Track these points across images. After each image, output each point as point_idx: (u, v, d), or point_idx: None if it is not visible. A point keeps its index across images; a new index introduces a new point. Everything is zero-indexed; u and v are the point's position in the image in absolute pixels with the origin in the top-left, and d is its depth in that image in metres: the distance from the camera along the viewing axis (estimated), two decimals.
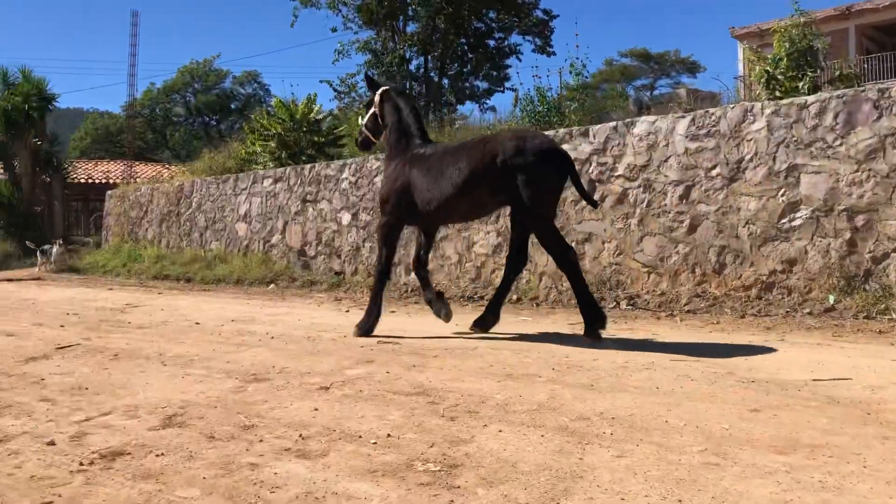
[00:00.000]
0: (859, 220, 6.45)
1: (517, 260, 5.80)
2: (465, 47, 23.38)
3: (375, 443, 3.06)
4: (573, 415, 3.38)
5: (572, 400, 3.65)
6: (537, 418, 3.35)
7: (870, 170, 6.44)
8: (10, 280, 14.68)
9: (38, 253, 17.24)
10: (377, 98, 6.32)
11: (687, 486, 2.47)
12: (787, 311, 6.48)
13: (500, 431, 3.17)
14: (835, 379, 3.90)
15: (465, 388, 4.01)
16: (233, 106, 47.87)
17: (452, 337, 5.86)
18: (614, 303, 7.56)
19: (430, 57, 22.84)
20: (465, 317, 7.07)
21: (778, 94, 9.15)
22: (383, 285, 6.09)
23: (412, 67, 22.84)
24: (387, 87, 6.42)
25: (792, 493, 2.37)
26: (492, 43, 23.93)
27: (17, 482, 2.71)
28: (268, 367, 4.73)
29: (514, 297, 8.33)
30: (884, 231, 6.32)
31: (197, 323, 7.04)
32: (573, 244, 8.38)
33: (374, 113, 6.36)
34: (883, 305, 6.06)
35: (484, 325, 5.99)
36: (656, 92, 40.37)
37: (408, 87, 22.82)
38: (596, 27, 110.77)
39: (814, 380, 3.91)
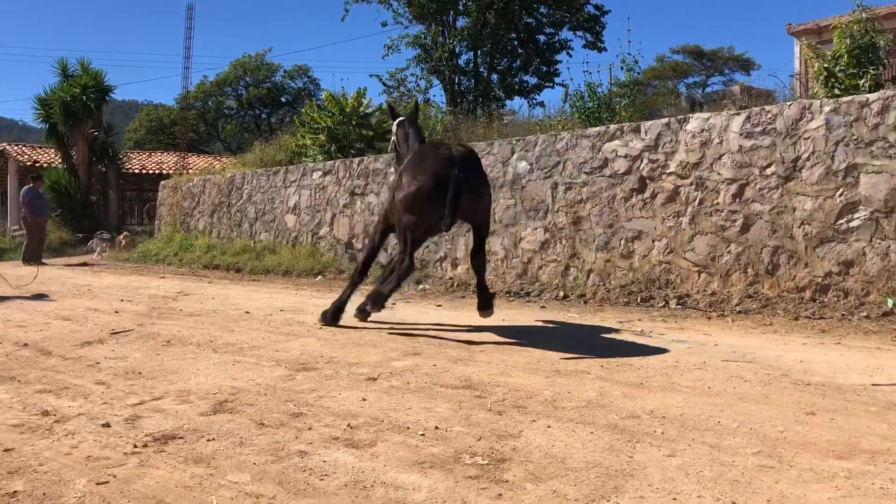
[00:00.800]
0: None
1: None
2: (515, 42, 23.17)
3: (423, 434, 3.06)
4: (623, 413, 3.34)
5: (622, 398, 3.61)
6: (586, 415, 3.32)
7: None
8: (68, 265, 15.10)
9: (95, 240, 17.71)
10: (395, 127, 6.92)
11: (741, 488, 2.42)
12: (843, 314, 6.30)
13: (548, 427, 3.14)
14: (894, 384, 3.78)
15: (513, 382, 3.99)
16: (283, 99, 48.36)
17: (498, 332, 5.84)
18: (663, 302, 7.45)
19: (479, 52, 22.70)
20: (510, 312, 7.05)
21: (837, 91, 8.88)
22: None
23: (462, 62, 22.77)
24: (402, 118, 6.95)
25: (852, 499, 2.31)
26: (542, 38, 23.68)
27: (75, 462, 2.78)
28: (316, 356, 4.78)
29: (562, 293, 8.27)
30: None
31: (247, 312, 7.13)
32: (622, 241, 8.30)
33: (393, 141, 6.97)
34: None
35: None
36: (709, 89, 39.54)
37: (457, 81, 22.75)
38: (648, 23, 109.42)
39: (873, 384, 3.80)
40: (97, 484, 2.55)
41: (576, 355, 4.71)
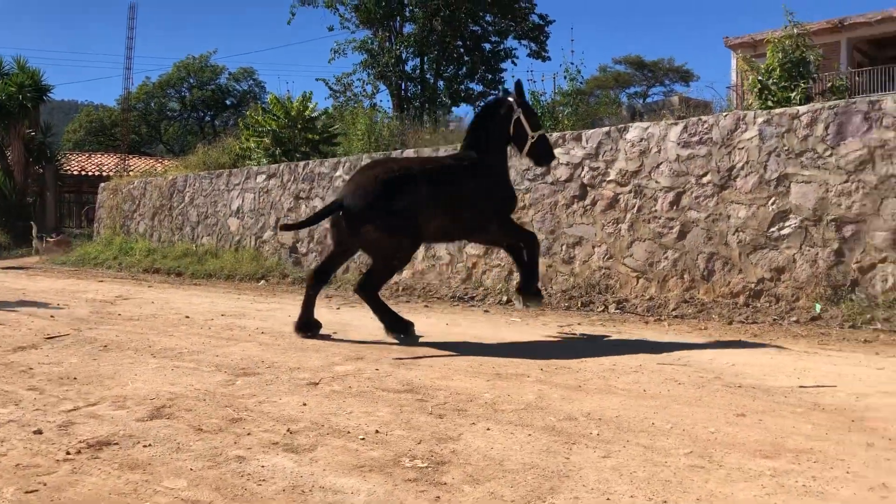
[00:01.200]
0: (847, 231, 6.51)
1: None
2: (461, 50, 23.39)
3: (363, 439, 3.07)
4: (561, 415, 3.40)
5: (560, 400, 3.67)
6: (525, 417, 3.37)
7: (859, 181, 6.49)
8: (1, 268, 14.62)
9: (35, 241, 17.21)
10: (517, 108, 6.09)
11: (673, 488, 2.49)
12: (775, 319, 6.52)
13: (487, 430, 3.18)
14: (820, 386, 3.94)
15: (454, 386, 4.02)
16: (228, 102, 47.70)
17: (442, 336, 5.87)
18: (603, 306, 7.59)
19: (426, 58, 22.85)
20: (454, 316, 7.11)
21: (770, 103, 9.21)
22: None
23: (408, 68, 22.86)
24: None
25: (776, 497, 2.40)
26: (487, 46, 23.96)
27: (3, 470, 2.71)
28: (257, 361, 4.74)
29: (505, 298, 8.36)
30: (871, 242, 6.37)
31: (187, 317, 7.03)
32: (564, 247, 8.43)
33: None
34: (868, 315, 6.11)
35: None
36: (649, 99, 40.46)
37: (403, 87, 22.80)
38: (591, 34, 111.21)
39: (800, 386, 3.95)
40: (26, 492, 2.49)
41: (516, 359, 4.78)
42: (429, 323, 6.63)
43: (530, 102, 11.75)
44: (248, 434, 3.15)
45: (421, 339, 5.58)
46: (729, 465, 2.70)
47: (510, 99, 6.05)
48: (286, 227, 6.75)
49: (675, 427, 3.18)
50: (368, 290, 5.65)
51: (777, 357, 4.87)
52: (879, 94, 18.94)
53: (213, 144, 18.52)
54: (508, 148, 6.18)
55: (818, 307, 6.49)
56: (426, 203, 5.51)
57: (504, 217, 6.06)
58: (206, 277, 12.05)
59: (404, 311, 7.71)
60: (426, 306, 8.28)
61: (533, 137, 5.96)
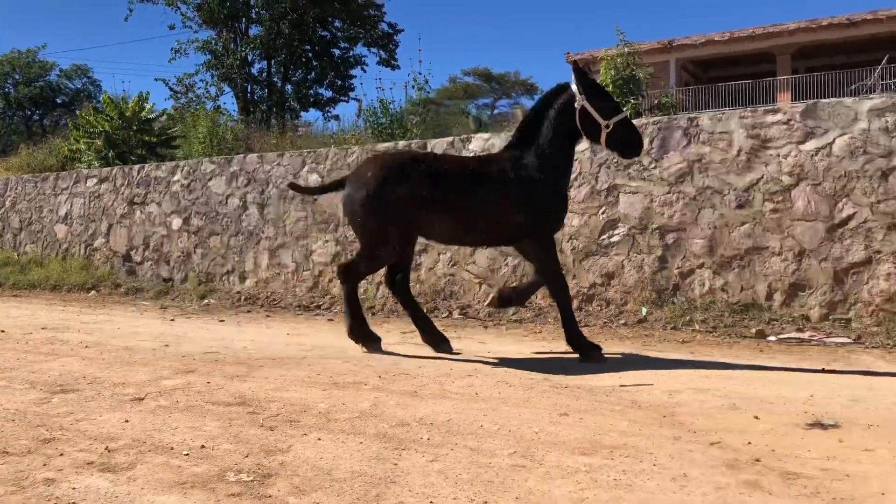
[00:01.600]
0: (670, 238, 6.98)
1: None
2: (310, 54, 23.14)
3: (187, 454, 2.95)
4: (394, 421, 3.42)
5: (394, 407, 3.70)
6: (358, 425, 3.37)
7: (679, 192, 6.98)
8: None
9: None
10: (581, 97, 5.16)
11: (494, 488, 2.56)
12: (605, 322, 6.88)
13: (318, 440, 3.15)
14: (639, 384, 4.19)
15: (289, 397, 3.95)
16: (59, 100, 44.70)
17: (283, 346, 5.76)
18: (447, 312, 7.72)
19: (273, 61, 22.40)
20: (298, 326, 6.99)
21: None
22: None
23: (255, 71, 22.35)
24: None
25: (589, 492, 2.52)
26: (337, 52, 23.85)
27: None
28: (78, 377, 4.45)
29: None
30: (690, 249, 6.86)
31: (2, 331, 6.50)
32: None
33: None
34: (687, 317, 6.58)
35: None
36: (497, 111, 41.79)
37: (249, 90, 22.24)
38: (441, 45, 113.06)
39: (621, 385, 4.18)
40: None
41: (356, 367, 4.76)
42: (270, 333, 6.49)
43: (378, 111, 11.92)
44: (61, 455, 2.95)
45: (257, 351, 5.44)
46: (549, 463, 2.82)
47: (573, 87, 5.12)
48: (294, 187, 6.29)
49: (503, 428, 3.28)
50: (349, 278, 5.39)
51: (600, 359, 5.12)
52: (702, 111, 20.48)
53: (39, 146, 17.28)
54: (573, 145, 5.29)
55: (644, 310, 6.91)
56: (429, 200, 5.11)
57: (539, 233, 5.20)
58: (30, 288, 11.20)
59: (244, 322, 7.52)
60: (268, 316, 8.10)
61: (607, 127, 5.02)
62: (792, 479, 2.63)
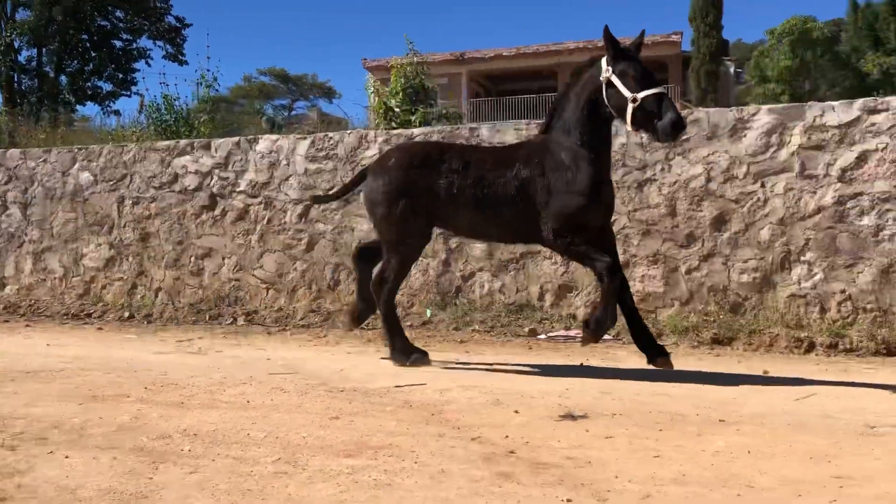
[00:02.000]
0: (453, 243, 7.22)
1: None
2: (88, 44, 21.48)
3: None
4: (154, 434, 3.26)
5: (157, 419, 3.52)
6: (114, 440, 3.17)
7: None
8: None
9: None
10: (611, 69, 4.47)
11: (252, 497, 2.51)
12: None
13: (66, 457, 2.93)
14: (412, 385, 4.29)
15: (40, 413, 3.64)
16: None
17: (42, 359, 5.30)
18: (231, 319, 7.49)
19: (44, 50, 20.54)
20: (63, 337, 6.49)
21: (394, 124, 9.88)
22: None
23: (22, 58, 20.34)
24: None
25: (348, 494, 2.54)
26: (118, 44, 22.33)
27: None
28: None
29: (127, 314, 7.83)
30: (472, 253, 7.14)
31: None
32: (192, 258, 8.15)
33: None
34: (468, 318, 6.84)
35: None
36: (294, 113, 41.21)
37: (16, 79, 20.28)
38: (234, 42, 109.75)
39: (396, 386, 4.26)
40: None
41: (119, 378, 4.48)
42: (28, 343, 5.95)
43: (163, 107, 11.31)
44: None
45: (13, 365, 4.97)
46: (313, 467, 2.81)
47: (603, 59, 4.46)
48: (317, 199, 6.34)
49: (270, 435, 3.23)
50: (381, 294, 4.99)
51: (380, 361, 5.19)
52: (490, 122, 21.42)
53: None
54: (606, 125, 4.61)
55: (429, 312, 7.10)
56: (452, 189, 4.72)
57: (561, 222, 4.52)
58: None
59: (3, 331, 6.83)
60: (27, 325, 7.42)
61: (635, 101, 4.24)
62: (541, 469, 2.81)
